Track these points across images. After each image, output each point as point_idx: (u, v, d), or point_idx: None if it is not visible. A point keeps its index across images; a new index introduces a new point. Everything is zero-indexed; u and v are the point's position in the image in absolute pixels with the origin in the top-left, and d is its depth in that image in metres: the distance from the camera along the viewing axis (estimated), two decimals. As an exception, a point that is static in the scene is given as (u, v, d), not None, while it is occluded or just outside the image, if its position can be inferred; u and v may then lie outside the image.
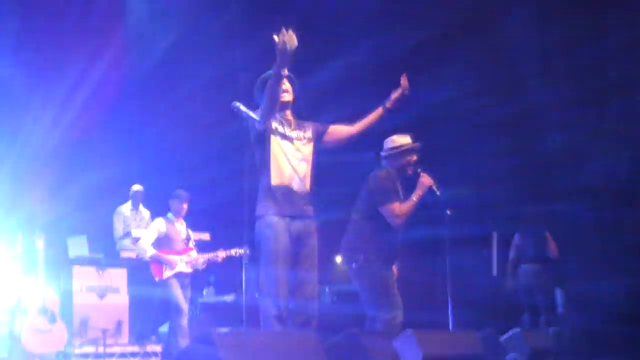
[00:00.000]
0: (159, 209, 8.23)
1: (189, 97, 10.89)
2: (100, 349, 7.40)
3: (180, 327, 7.17)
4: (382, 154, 5.76)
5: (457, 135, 11.29)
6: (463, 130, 11.16)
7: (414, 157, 5.70)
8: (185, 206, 7.57)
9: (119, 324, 7.82)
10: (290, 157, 4.75)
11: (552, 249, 8.97)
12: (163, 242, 7.44)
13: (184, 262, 7.41)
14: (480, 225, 10.78)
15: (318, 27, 12.67)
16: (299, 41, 4.31)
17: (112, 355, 7.56)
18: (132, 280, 8.17)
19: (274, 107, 4.64)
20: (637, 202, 10.30)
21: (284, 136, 4.76)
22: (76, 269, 7.92)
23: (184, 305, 7.31)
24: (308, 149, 4.89)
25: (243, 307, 4.45)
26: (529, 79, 10.88)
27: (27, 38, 9.50)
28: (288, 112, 4.92)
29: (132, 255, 8.26)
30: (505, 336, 6.49)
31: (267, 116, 4.63)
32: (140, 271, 8.09)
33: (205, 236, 8.42)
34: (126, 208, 9.10)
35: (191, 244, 7.56)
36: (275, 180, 4.68)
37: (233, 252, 7.73)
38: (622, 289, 9.58)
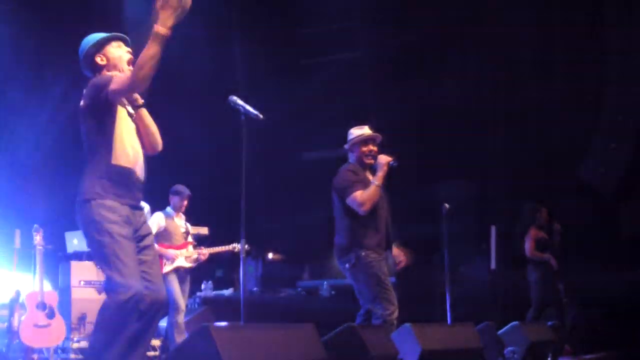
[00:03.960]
0: (157, 203, 8.23)
1: (187, 92, 10.89)
2: (99, 344, 7.39)
3: (177, 324, 7.15)
4: (345, 146, 5.78)
5: (458, 131, 11.31)
6: (463, 125, 11.18)
7: (373, 147, 5.69)
8: (185, 203, 7.57)
9: (117, 319, 7.80)
10: (135, 139, 4.11)
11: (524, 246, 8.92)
12: (162, 236, 7.42)
13: (183, 257, 7.40)
14: (478, 219, 10.81)
15: (316, 23, 12.71)
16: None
17: (110, 349, 7.55)
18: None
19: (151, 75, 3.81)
20: (634, 196, 10.33)
21: (129, 114, 4.12)
22: (74, 263, 7.92)
23: (181, 302, 7.30)
24: None
25: (241, 301, 4.43)
26: (528, 75, 10.90)
27: (25, 33, 9.50)
28: None
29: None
30: (503, 330, 6.50)
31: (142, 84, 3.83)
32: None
33: (204, 230, 8.41)
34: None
35: (189, 238, 7.56)
36: (116, 160, 4.00)
37: (231, 247, 7.75)
38: (620, 283, 9.60)
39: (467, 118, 11.19)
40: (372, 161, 5.65)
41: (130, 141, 4.05)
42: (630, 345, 9.22)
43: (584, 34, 10.54)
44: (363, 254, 5.44)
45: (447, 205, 7.93)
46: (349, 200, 5.46)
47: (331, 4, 12.42)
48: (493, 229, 9.94)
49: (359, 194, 5.43)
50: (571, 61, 10.66)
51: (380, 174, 5.48)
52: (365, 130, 5.71)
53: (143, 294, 3.80)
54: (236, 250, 7.65)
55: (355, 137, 5.69)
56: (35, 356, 6.92)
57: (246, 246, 6.74)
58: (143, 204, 9.09)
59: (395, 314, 5.39)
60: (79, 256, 8.07)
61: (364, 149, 5.67)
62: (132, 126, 4.11)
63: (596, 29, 10.29)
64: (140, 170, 4.09)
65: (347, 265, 5.52)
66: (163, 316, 8.03)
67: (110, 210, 3.93)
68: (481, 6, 11.11)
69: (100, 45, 4.15)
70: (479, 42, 11.10)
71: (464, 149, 11.24)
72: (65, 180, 9.64)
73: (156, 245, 7.27)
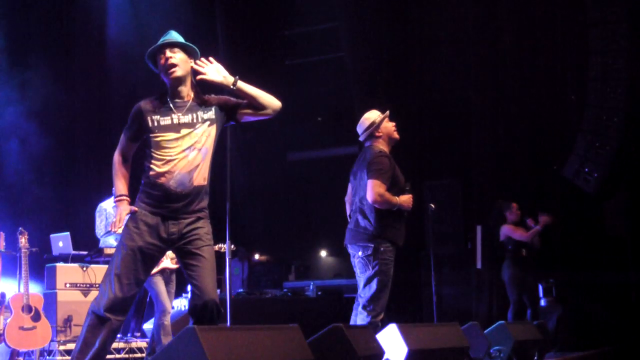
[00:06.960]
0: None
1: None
2: (85, 346, 7.36)
3: (163, 325, 7.11)
4: (362, 138, 5.75)
5: (442, 130, 11.34)
6: (448, 124, 11.21)
7: (392, 123, 5.72)
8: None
9: (103, 321, 7.78)
10: (172, 150, 4.14)
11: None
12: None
13: (169, 258, 7.37)
14: (464, 219, 10.85)
15: (300, 24, 12.73)
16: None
17: (96, 352, 7.52)
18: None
19: None
20: (619, 193, 10.39)
21: (166, 128, 4.17)
22: (60, 266, 7.88)
23: (168, 304, 7.25)
24: (206, 133, 4.21)
25: (227, 303, 4.43)
26: (512, 74, 10.96)
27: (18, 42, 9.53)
28: (183, 89, 4.29)
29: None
30: (489, 329, 6.53)
31: None
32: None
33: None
34: (108, 204, 9.04)
35: (175, 240, 7.52)
36: (152, 173, 4.14)
37: (217, 247, 7.72)
38: (605, 282, 9.66)
39: (451, 117, 11.23)
40: (398, 135, 5.70)
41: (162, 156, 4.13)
42: (615, 343, 9.29)
43: (568, 32, 10.60)
44: (382, 248, 5.39)
45: (432, 206, 7.96)
46: (370, 182, 5.36)
47: (316, 4, 12.45)
48: (479, 229, 9.98)
49: (381, 185, 5.36)
50: (555, 59, 10.72)
51: (403, 205, 5.45)
52: (377, 112, 5.73)
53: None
54: (222, 250, 7.63)
55: (376, 120, 5.67)
56: (21, 359, 6.89)
57: (232, 247, 6.76)
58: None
59: (381, 316, 5.40)
60: (64, 259, 8.04)
61: (389, 125, 5.69)
62: (180, 134, 4.14)
63: (579, 28, 10.34)
64: (177, 182, 4.11)
65: (360, 252, 5.44)
66: (149, 317, 8.02)
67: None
68: (465, 5, 11.16)
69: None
70: (462, 40, 11.16)
71: (449, 148, 11.29)
72: (51, 182, 9.64)
73: None
